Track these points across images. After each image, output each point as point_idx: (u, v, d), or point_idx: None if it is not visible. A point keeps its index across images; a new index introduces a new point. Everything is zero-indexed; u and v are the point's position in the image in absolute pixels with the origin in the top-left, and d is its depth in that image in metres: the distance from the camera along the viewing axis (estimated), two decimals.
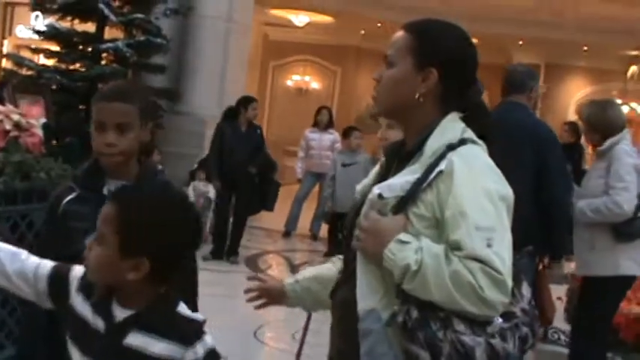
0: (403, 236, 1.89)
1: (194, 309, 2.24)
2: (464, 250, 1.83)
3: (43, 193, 4.06)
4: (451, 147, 1.96)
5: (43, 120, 4.81)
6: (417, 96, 2.03)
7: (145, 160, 2.57)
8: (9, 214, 3.87)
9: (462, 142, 1.98)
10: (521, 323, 1.91)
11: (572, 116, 19.83)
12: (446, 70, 2.04)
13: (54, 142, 8.99)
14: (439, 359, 1.81)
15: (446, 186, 1.90)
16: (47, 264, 2.00)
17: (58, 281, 1.96)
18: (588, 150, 10.05)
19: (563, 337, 5.19)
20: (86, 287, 1.91)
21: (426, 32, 2.10)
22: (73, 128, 9.52)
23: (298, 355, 2.83)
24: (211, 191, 9.32)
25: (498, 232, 1.87)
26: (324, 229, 10.20)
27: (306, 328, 2.81)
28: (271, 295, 2.50)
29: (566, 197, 3.96)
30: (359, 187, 2.23)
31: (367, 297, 1.98)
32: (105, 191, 2.40)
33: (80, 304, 1.91)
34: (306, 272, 2.49)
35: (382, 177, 2.15)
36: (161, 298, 1.86)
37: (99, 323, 1.86)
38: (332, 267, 2.38)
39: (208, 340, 1.87)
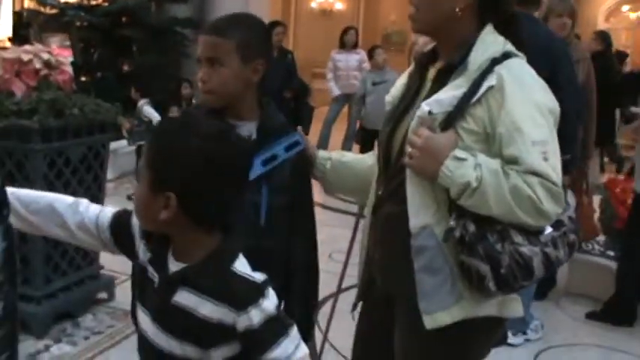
0: (459, 152, 1.89)
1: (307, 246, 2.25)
2: (522, 164, 1.85)
3: (78, 129, 4.12)
4: (496, 61, 1.95)
5: (71, 57, 4.83)
6: (457, 10, 2.01)
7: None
8: (46, 151, 3.94)
9: (506, 55, 1.98)
10: (569, 231, 1.96)
11: (602, 25, 19.49)
12: None
13: (83, 78, 9.09)
14: (499, 271, 1.87)
15: (497, 101, 1.90)
16: (108, 211, 1.87)
17: (120, 229, 1.82)
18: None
19: (597, 247, 5.22)
20: (146, 234, 1.77)
21: None
22: (103, 63, 9.58)
23: (341, 278, 2.82)
24: None
25: (551, 145, 1.90)
26: (355, 149, 10.22)
27: (349, 253, 2.77)
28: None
29: (572, 113, 3.93)
30: (388, 98, 2.23)
31: (419, 213, 1.99)
32: None
33: (142, 252, 1.76)
34: (341, 156, 2.42)
35: (411, 88, 2.17)
36: (214, 253, 1.64)
37: (154, 275, 1.70)
38: (366, 160, 2.41)
39: (268, 305, 1.61)
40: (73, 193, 3.99)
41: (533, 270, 1.88)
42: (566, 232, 1.95)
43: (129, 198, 7.54)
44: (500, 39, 2.04)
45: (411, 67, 2.23)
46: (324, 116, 10.65)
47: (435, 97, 1.98)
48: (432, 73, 2.13)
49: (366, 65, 10.10)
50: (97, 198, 4.17)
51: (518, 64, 1.99)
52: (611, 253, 5.09)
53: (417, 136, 1.95)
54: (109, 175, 5.67)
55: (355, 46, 10.68)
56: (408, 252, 2.02)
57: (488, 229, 1.88)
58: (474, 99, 1.91)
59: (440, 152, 1.90)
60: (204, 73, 2.09)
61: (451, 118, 1.93)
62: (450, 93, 1.95)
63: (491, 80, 1.91)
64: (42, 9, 10.05)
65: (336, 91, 10.51)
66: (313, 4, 20.66)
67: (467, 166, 1.86)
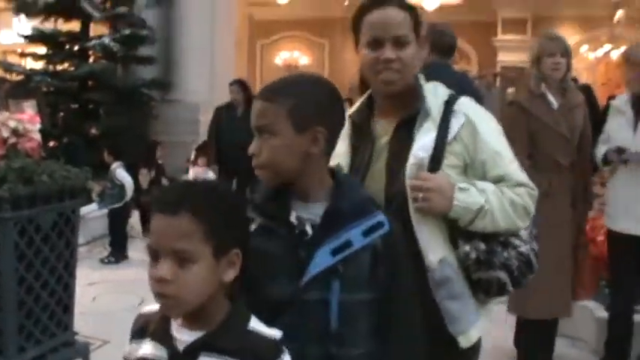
0: (460, 184, 2.08)
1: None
2: (510, 180, 2.14)
3: (48, 196, 4.11)
4: (449, 103, 2.16)
5: (39, 124, 4.85)
6: (418, 69, 2.20)
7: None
8: (16, 220, 3.92)
9: (454, 96, 2.19)
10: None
11: None
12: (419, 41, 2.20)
13: (51, 143, 9.09)
14: (513, 274, 2.13)
15: (469, 134, 2.12)
16: None
17: None
18: None
19: None
20: (139, 330, 1.68)
21: (414, 9, 2.18)
22: (71, 128, 9.59)
23: None
24: (211, 176, 9.38)
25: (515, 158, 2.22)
26: None
27: None
28: None
29: None
30: (336, 161, 2.14)
31: (434, 249, 2.10)
32: (292, 218, 1.80)
33: (143, 350, 1.65)
34: None
35: (363, 148, 2.22)
36: (230, 315, 1.61)
37: (162, 355, 1.62)
38: None
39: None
40: (45, 261, 3.98)
41: (533, 264, 2.16)
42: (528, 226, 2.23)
43: (102, 261, 7.50)
44: (439, 85, 2.24)
45: (347, 131, 2.23)
46: None
47: (418, 144, 2.10)
48: (380, 128, 2.22)
49: None
50: (70, 264, 4.15)
51: (469, 101, 2.21)
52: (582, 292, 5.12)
53: (422, 181, 2.05)
54: (80, 239, 5.64)
55: None
56: (425, 286, 2.08)
57: (494, 242, 2.12)
58: (450, 138, 2.11)
59: (446, 189, 2.05)
60: (254, 144, 1.87)
61: (437, 159, 2.09)
62: (426, 137, 2.10)
63: (459, 119, 2.13)
64: (8, 75, 10.08)
65: None
66: (278, 60, 20.90)
67: (474, 194, 2.07)
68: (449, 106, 2.15)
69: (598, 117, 5.03)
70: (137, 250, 7.83)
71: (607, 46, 19.71)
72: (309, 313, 1.73)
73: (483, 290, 2.15)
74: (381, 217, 1.81)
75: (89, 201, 7.37)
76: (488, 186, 2.11)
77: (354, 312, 1.75)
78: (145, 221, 8.82)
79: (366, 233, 1.77)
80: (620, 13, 18.33)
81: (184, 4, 10.61)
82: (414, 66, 2.15)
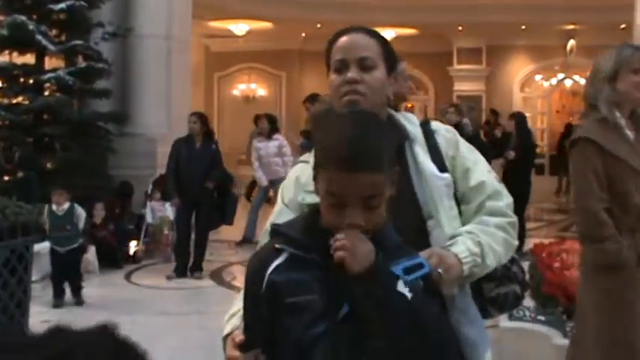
0: (455, 247, 2.02)
1: None
2: (488, 187, 2.15)
3: None
4: (423, 125, 2.22)
5: None
6: (388, 95, 2.18)
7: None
8: None
9: (425, 121, 2.26)
10: None
11: (518, 94, 20.23)
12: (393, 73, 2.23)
13: (5, 178, 8.96)
14: (525, 285, 2.25)
15: (453, 147, 2.20)
16: None
17: None
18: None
19: (528, 313, 5.28)
20: None
21: (384, 39, 2.22)
22: (25, 162, 9.45)
23: None
24: (169, 210, 9.31)
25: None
26: None
27: None
28: None
29: None
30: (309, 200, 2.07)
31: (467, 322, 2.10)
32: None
33: None
34: None
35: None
36: None
37: None
38: None
39: None
40: None
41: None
42: None
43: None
44: (405, 113, 2.31)
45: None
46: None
47: (428, 166, 2.11)
48: None
49: (287, 150, 10.26)
50: (22, 302, 4.08)
51: (437, 123, 2.28)
52: (542, 318, 5.16)
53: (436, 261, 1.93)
54: (34, 276, 5.54)
55: (273, 132, 10.79)
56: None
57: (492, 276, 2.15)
58: (443, 155, 2.16)
59: (454, 263, 1.99)
60: (356, 214, 1.74)
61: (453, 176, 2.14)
62: (427, 160, 2.13)
63: (442, 136, 2.20)
64: None
65: (264, 182, 10.63)
66: (235, 91, 20.93)
67: (469, 243, 2.03)
68: (427, 127, 2.21)
69: None
70: (94, 287, 7.76)
71: (560, 75, 20.09)
72: (343, 346, 1.68)
73: (498, 306, 2.21)
74: (420, 259, 1.80)
75: (45, 238, 7.24)
76: (468, 227, 2.10)
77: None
78: (101, 257, 8.72)
79: (407, 272, 1.74)
80: (572, 43, 18.71)
81: (140, 36, 10.58)
82: (382, 93, 2.13)
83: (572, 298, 4.79)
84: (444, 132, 2.23)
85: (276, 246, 1.77)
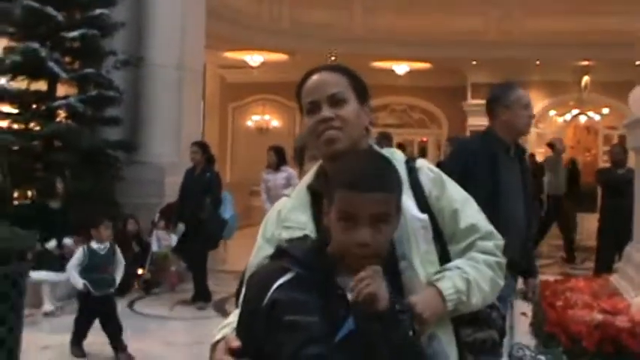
0: (441, 283, 2.01)
1: None
2: (480, 230, 2.13)
3: None
4: (408, 162, 2.16)
5: None
6: (367, 126, 2.16)
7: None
8: None
9: (410, 158, 2.20)
10: None
11: (532, 130, 20.14)
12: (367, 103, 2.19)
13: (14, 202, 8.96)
14: (502, 334, 2.22)
15: (439, 187, 2.14)
16: None
17: None
18: None
19: (528, 353, 5.19)
20: None
21: (350, 71, 2.19)
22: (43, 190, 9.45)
23: None
24: (173, 239, 9.28)
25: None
26: None
27: None
28: None
29: None
30: (298, 232, 2.07)
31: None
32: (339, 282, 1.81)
33: None
34: None
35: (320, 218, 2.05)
36: None
37: None
38: None
39: None
40: None
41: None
42: None
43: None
44: (390, 149, 2.24)
45: (308, 201, 2.18)
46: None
47: (409, 206, 2.03)
48: None
49: (295, 182, 10.20)
50: (14, 329, 4.04)
51: (422, 161, 2.21)
52: (542, 358, 5.07)
53: (420, 307, 1.95)
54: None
55: (280, 164, 10.72)
56: None
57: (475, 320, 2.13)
58: (426, 193, 2.10)
59: (437, 302, 1.99)
60: (366, 232, 1.80)
61: (430, 217, 2.07)
62: (409, 199, 2.05)
63: (426, 174, 2.14)
64: None
65: None
66: (249, 122, 21.02)
67: (455, 278, 2.02)
68: (411, 165, 2.15)
69: None
70: None
71: (574, 111, 20.05)
72: None
73: (476, 351, 2.13)
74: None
75: (46, 265, 7.28)
76: (459, 262, 2.08)
77: None
78: None
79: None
80: (586, 79, 18.69)
81: (152, 65, 10.63)
82: (358, 124, 2.10)
83: (574, 338, 4.73)
84: (427, 171, 2.16)
85: (284, 265, 1.84)
